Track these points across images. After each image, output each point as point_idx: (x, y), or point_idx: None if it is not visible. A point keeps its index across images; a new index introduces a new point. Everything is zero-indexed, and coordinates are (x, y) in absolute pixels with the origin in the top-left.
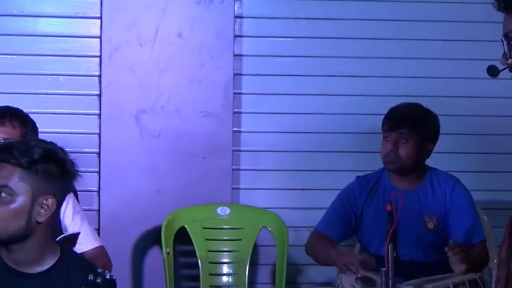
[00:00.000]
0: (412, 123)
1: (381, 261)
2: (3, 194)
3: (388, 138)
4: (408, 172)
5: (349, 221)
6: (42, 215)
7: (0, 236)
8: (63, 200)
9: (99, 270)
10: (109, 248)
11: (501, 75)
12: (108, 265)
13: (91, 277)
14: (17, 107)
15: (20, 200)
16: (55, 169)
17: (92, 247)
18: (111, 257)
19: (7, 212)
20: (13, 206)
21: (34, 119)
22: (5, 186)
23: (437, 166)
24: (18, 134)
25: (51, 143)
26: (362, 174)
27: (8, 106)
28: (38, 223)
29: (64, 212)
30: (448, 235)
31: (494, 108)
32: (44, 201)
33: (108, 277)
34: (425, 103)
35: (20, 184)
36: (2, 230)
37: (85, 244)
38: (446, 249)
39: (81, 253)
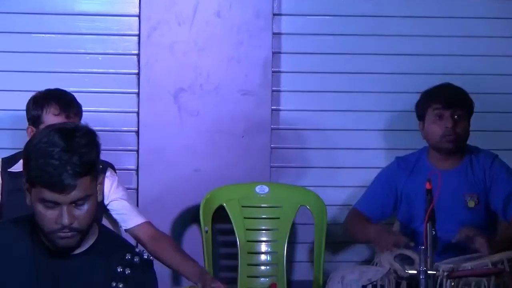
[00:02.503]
0: (465, 101)
1: (420, 239)
2: (80, 202)
3: (441, 117)
4: (458, 151)
5: (388, 201)
6: (100, 194)
7: (82, 235)
8: None
9: (137, 250)
10: None
11: None
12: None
13: (128, 256)
14: (65, 91)
15: (93, 197)
16: (98, 146)
17: (139, 223)
18: None
19: (89, 215)
20: (90, 205)
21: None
22: (83, 197)
23: (480, 144)
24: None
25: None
26: (400, 152)
27: (59, 90)
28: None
29: (109, 192)
30: (489, 214)
31: None
32: (99, 183)
33: (146, 257)
34: (464, 80)
35: (91, 186)
36: (85, 229)
37: (131, 220)
38: (453, 240)
39: (129, 229)
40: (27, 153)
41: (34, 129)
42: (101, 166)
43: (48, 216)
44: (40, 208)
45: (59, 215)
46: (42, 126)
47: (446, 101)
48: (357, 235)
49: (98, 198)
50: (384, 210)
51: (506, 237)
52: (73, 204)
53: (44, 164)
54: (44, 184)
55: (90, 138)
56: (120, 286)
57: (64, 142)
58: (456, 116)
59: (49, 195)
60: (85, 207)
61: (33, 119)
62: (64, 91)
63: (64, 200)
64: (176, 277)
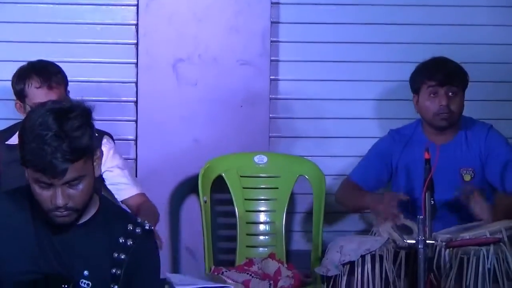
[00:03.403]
0: (460, 78)
1: (418, 210)
2: (74, 182)
3: (436, 94)
4: (452, 126)
5: (382, 174)
6: (97, 169)
7: (79, 213)
8: None
9: (138, 220)
10: None
11: None
12: (153, 210)
13: (130, 227)
14: (49, 61)
15: (89, 176)
16: (91, 126)
17: (133, 194)
18: None
19: (84, 193)
20: (86, 184)
21: (72, 68)
22: (77, 178)
23: (474, 114)
24: (62, 93)
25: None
26: (395, 122)
27: (42, 61)
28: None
29: (105, 161)
30: (485, 186)
31: None
32: (95, 157)
33: (147, 227)
34: (461, 51)
35: (85, 166)
36: (81, 208)
37: (125, 190)
38: (456, 193)
39: (124, 200)
40: (22, 133)
41: (22, 104)
42: (97, 135)
43: (44, 196)
44: (35, 187)
45: (53, 195)
46: (27, 100)
47: (441, 78)
48: (351, 202)
49: (96, 173)
50: (378, 182)
51: (504, 207)
52: (67, 185)
53: (36, 149)
54: (36, 168)
55: (84, 119)
56: (122, 256)
57: (58, 125)
58: (451, 93)
59: (42, 177)
60: (80, 187)
61: (18, 93)
62: (47, 62)
63: (57, 182)
64: (175, 258)
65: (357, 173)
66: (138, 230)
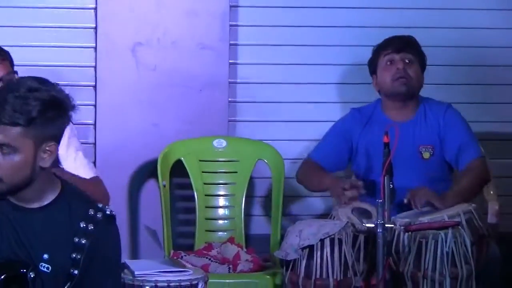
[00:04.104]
0: (416, 48)
1: (378, 189)
2: (5, 149)
3: (393, 61)
4: (411, 97)
5: (343, 152)
6: (46, 161)
7: (7, 187)
8: (62, 135)
9: (100, 205)
10: (105, 181)
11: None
12: (105, 195)
13: (91, 211)
14: None
15: (24, 154)
16: (54, 114)
17: (88, 177)
18: (108, 190)
19: (11, 166)
20: (17, 159)
21: (30, 53)
22: (6, 144)
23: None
24: (8, 68)
25: (42, 81)
26: (357, 106)
27: None
28: (43, 168)
29: (62, 143)
30: (444, 164)
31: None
32: (47, 148)
33: (108, 212)
34: (417, 34)
35: (22, 140)
36: (8, 181)
37: (80, 174)
38: (405, 201)
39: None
40: None
41: None
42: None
43: None
44: None
45: None
46: None
47: (396, 45)
48: (312, 183)
49: (40, 162)
50: (339, 161)
51: (459, 188)
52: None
53: None
54: None
55: (52, 101)
56: (83, 241)
57: (27, 88)
58: (407, 60)
59: None
60: (9, 157)
61: None
62: None
63: None
64: (134, 243)
65: (317, 151)
66: (99, 215)
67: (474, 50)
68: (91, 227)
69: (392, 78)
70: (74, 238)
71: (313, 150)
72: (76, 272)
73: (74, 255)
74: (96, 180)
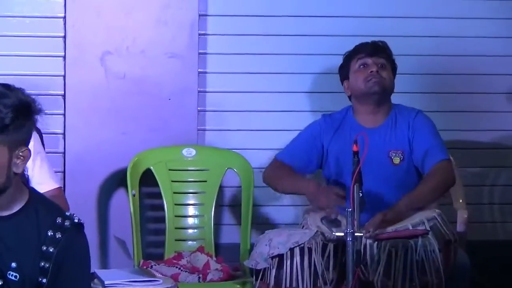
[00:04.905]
0: (388, 53)
1: (349, 194)
2: None
3: (366, 65)
4: (384, 99)
5: (312, 156)
6: (19, 166)
7: None
8: (30, 139)
9: (67, 214)
10: (74, 190)
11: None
12: (65, 207)
13: (59, 220)
14: None
15: None
16: (25, 119)
17: (50, 188)
18: (77, 199)
19: None
20: None
21: None
22: None
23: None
24: None
25: (7, 86)
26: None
27: None
28: (16, 174)
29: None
30: (414, 169)
31: (453, 48)
32: (20, 153)
33: (76, 220)
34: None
35: None
36: None
37: (43, 184)
38: (365, 232)
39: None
40: None
41: None
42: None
43: None
44: None
45: None
46: None
47: (369, 50)
48: (284, 186)
49: (14, 167)
50: (307, 164)
51: (412, 196)
52: None
53: None
54: None
55: (21, 106)
56: (51, 250)
57: None
58: (380, 64)
59: None
60: None
61: None
62: None
63: None
64: (104, 252)
65: (285, 153)
66: (67, 223)
67: (445, 59)
68: (59, 235)
69: (365, 79)
70: (42, 247)
71: (282, 151)
72: (44, 280)
73: (42, 264)
74: (55, 193)
